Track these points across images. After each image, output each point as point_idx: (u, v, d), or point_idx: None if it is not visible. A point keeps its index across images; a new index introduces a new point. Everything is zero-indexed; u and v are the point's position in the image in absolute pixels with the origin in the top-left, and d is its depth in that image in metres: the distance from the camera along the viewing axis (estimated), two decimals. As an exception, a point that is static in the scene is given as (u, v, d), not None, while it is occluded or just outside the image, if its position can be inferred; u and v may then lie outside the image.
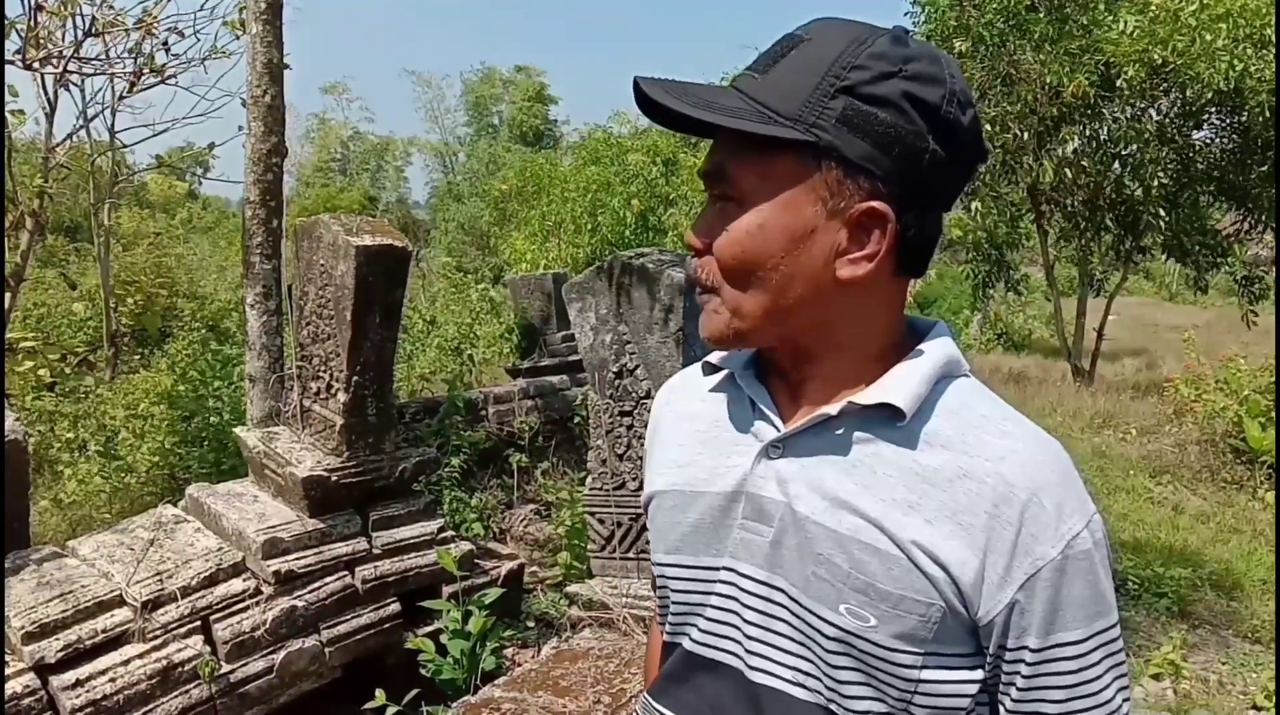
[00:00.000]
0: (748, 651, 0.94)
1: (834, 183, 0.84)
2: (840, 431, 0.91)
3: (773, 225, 0.86)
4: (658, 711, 1.02)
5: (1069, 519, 0.84)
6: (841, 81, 0.82)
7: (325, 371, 3.84)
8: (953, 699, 0.88)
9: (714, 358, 1.04)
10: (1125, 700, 0.89)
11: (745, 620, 0.94)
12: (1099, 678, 0.87)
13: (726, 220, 0.88)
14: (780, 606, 0.91)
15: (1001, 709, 0.90)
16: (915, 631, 0.85)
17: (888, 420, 0.89)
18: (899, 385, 0.88)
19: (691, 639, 0.99)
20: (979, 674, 0.89)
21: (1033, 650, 0.85)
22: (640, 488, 3.21)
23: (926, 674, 0.87)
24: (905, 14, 10.33)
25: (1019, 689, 0.87)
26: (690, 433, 1.04)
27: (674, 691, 1.02)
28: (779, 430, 0.94)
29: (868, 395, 0.89)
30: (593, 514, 3.85)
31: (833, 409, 0.90)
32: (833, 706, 0.90)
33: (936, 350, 0.92)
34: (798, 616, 0.90)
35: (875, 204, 0.84)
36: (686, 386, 1.11)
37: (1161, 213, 9.21)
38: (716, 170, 0.89)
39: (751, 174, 0.86)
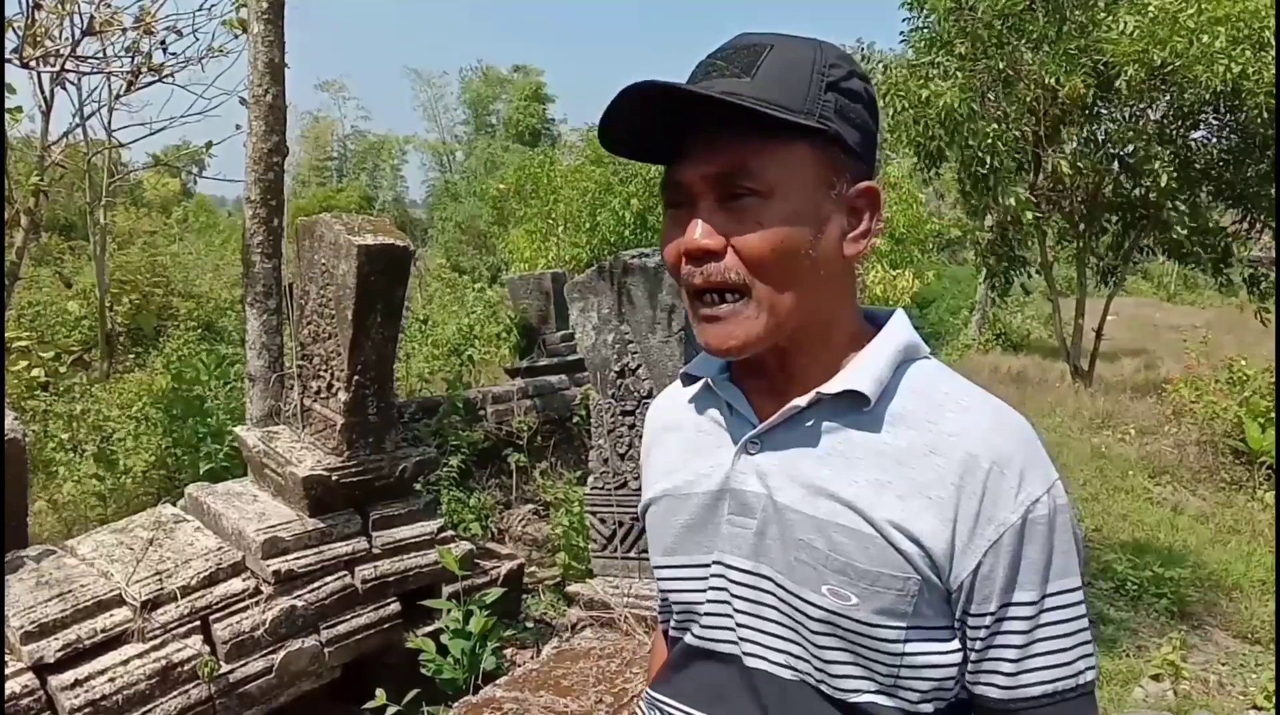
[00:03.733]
0: (740, 639, 0.98)
1: (839, 168, 0.92)
2: (810, 422, 0.95)
3: (803, 213, 0.90)
4: (658, 700, 1.07)
5: (1029, 486, 0.88)
6: (827, 78, 0.90)
7: (326, 371, 3.82)
8: (938, 669, 0.92)
9: (692, 368, 1.09)
10: (1089, 668, 0.92)
11: (736, 609, 0.98)
12: (1053, 638, 0.90)
13: (754, 215, 0.89)
14: (767, 594, 0.96)
15: (965, 673, 0.94)
16: (895, 606, 0.89)
17: (854, 406, 0.94)
18: (862, 372, 0.94)
19: (693, 634, 1.04)
20: (958, 643, 0.93)
21: (992, 613, 0.90)
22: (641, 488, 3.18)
23: (910, 646, 0.90)
24: (903, 20, 10.29)
25: (977, 651, 0.92)
26: (676, 441, 1.09)
27: (673, 680, 1.06)
28: (755, 427, 0.99)
29: (833, 384, 0.94)
30: (594, 513, 3.84)
31: (802, 401, 0.95)
32: (823, 687, 0.94)
33: (895, 335, 0.98)
34: (784, 601, 0.94)
35: (870, 184, 0.94)
36: (669, 399, 1.17)
37: (1182, 206, 9.17)
38: (735, 168, 0.88)
39: (777, 166, 0.89)
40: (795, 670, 0.95)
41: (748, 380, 1.02)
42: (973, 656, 0.92)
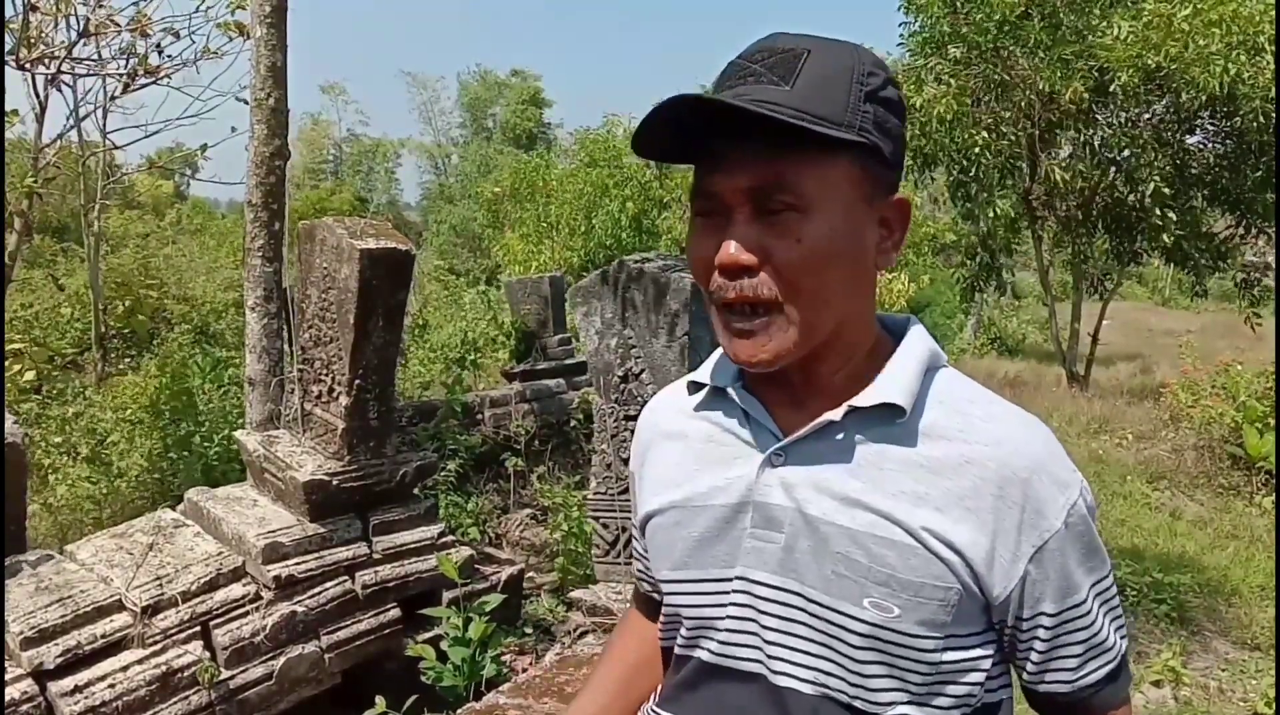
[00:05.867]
0: (769, 656, 0.95)
1: (876, 180, 0.90)
2: (841, 435, 0.93)
3: (840, 228, 0.88)
4: None
5: (1066, 490, 0.91)
6: (866, 87, 0.87)
7: (327, 375, 3.80)
8: (969, 675, 0.93)
9: (699, 376, 1.06)
10: (1123, 639, 0.98)
11: (764, 626, 0.95)
12: (1104, 627, 0.95)
13: (793, 231, 0.86)
14: (797, 610, 0.93)
15: (1024, 675, 0.98)
16: (935, 616, 0.89)
17: (886, 418, 0.92)
18: (894, 384, 0.92)
19: (710, 651, 0.99)
20: (990, 650, 0.94)
21: (1050, 615, 0.92)
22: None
23: (946, 655, 0.91)
24: (900, 24, 10.32)
25: (1039, 652, 0.94)
26: (682, 451, 1.05)
27: (685, 699, 1.02)
28: (779, 438, 0.96)
29: (867, 397, 0.92)
30: (596, 518, 3.82)
31: (836, 414, 0.93)
32: (857, 703, 0.92)
33: (918, 345, 0.97)
34: (818, 617, 0.92)
35: (902, 196, 0.93)
36: (669, 406, 1.12)
37: (1171, 214, 9.19)
38: (773, 182, 0.86)
39: (817, 180, 0.86)
40: (824, 686, 0.92)
41: (766, 390, 1.00)
42: (1035, 659, 0.95)
